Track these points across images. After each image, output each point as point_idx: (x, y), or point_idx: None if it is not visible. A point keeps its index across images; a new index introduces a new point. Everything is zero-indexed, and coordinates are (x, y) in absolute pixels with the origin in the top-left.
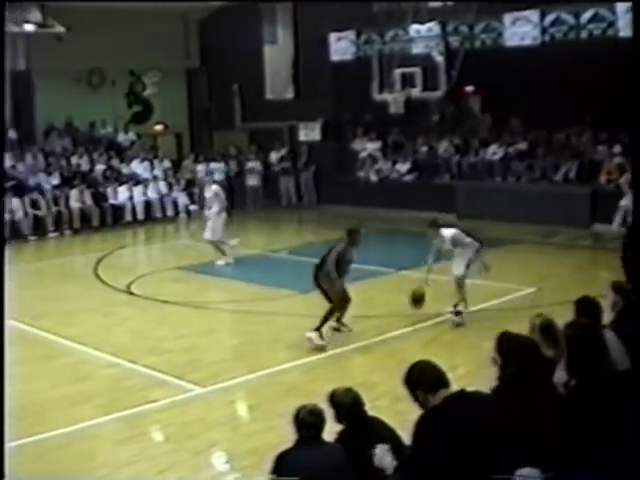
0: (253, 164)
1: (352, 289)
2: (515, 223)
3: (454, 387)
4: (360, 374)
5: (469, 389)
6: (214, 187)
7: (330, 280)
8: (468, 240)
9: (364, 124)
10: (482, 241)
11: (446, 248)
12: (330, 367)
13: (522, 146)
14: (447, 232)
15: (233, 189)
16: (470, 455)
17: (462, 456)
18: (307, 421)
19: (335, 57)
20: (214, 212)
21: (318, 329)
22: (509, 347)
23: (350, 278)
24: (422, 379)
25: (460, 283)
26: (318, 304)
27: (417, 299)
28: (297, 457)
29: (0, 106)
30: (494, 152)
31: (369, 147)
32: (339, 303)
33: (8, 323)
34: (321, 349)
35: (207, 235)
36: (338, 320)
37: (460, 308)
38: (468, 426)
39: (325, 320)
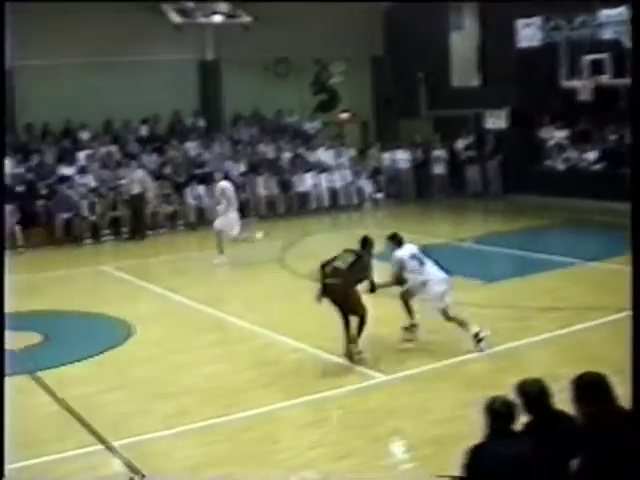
0: (439, 152)
1: (538, 280)
2: None
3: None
4: (544, 366)
5: None
6: (222, 184)
7: (351, 287)
8: (418, 272)
9: (551, 112)
10: (448, 272)
11: (392, 271)
12: (514, 359)
13: None
14: (399, 251)
15: (420, 177)
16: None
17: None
18: (502, 412)
19: (522, 44)
20: (222, 209)
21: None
22: None
23: (536, 269)
24: (589, 394)
25: (445, 316)
26: (503, 295)
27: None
28: (494, 449)
29: (0, 105)
30: None
31: (557, 135)
32: (362, 310)
33: (197, 307)
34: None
35: (217, 224)
36: (350, 342)
37: (479, 333)
38: (615, 440)
39: (359, 334)
